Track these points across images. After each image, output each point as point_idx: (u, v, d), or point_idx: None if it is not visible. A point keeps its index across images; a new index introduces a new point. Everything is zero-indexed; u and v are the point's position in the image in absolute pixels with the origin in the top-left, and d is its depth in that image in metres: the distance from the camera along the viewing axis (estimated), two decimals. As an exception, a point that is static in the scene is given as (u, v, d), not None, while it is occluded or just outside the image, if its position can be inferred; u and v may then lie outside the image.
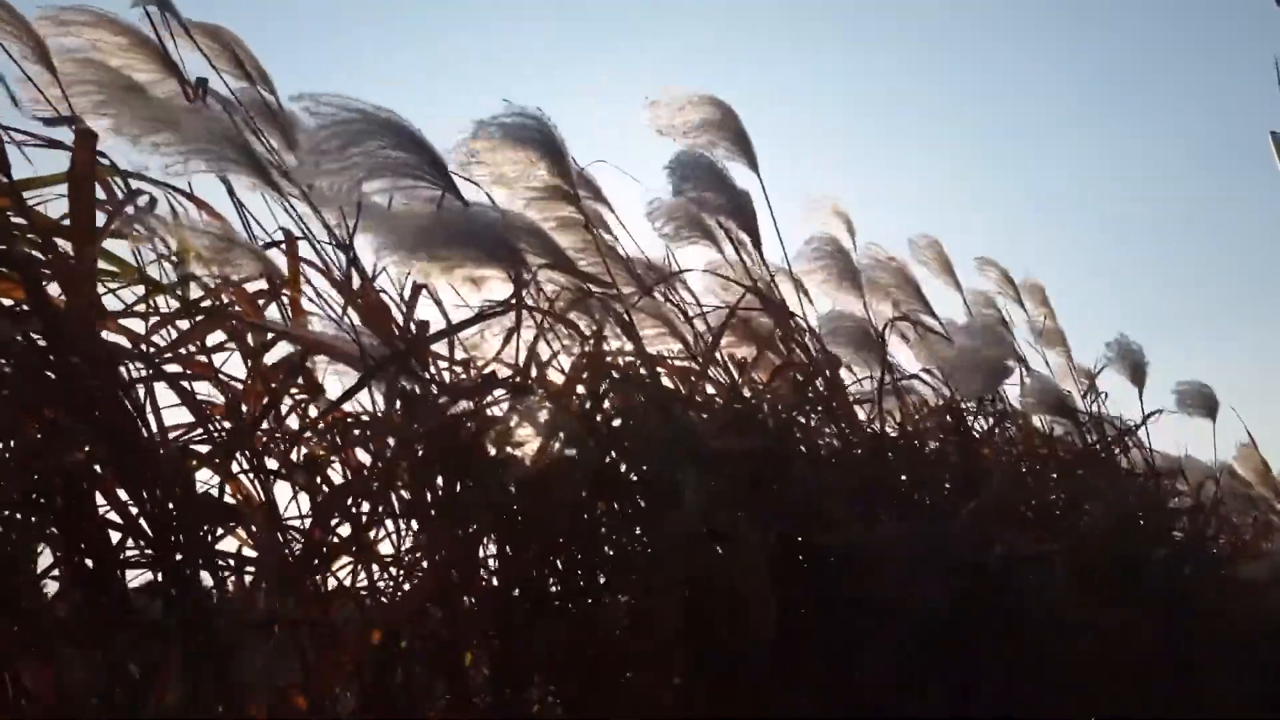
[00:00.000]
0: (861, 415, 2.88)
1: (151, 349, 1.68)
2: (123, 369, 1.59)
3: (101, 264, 1.64)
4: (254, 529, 1.73)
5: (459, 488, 1.97)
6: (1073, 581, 2.84)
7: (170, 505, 1.59)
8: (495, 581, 2.06)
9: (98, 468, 1.56)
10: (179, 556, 1.60)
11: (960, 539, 2.56)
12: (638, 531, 2.25)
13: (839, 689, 2.34)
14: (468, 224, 1.86)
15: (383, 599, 1.96)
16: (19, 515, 1.50)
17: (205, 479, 1.70)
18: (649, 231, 2.73)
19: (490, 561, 2.05)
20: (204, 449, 1.71)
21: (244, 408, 1.76)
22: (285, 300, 1.93)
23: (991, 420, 3.40)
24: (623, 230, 2.65)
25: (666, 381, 2.40)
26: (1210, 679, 3.24)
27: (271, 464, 1.78)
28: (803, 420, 2.69)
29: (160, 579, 1.60)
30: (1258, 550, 4.42)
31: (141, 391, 1.60)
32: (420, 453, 1.93)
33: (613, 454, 2.18)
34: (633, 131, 2.86)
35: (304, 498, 1.84)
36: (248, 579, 1.76)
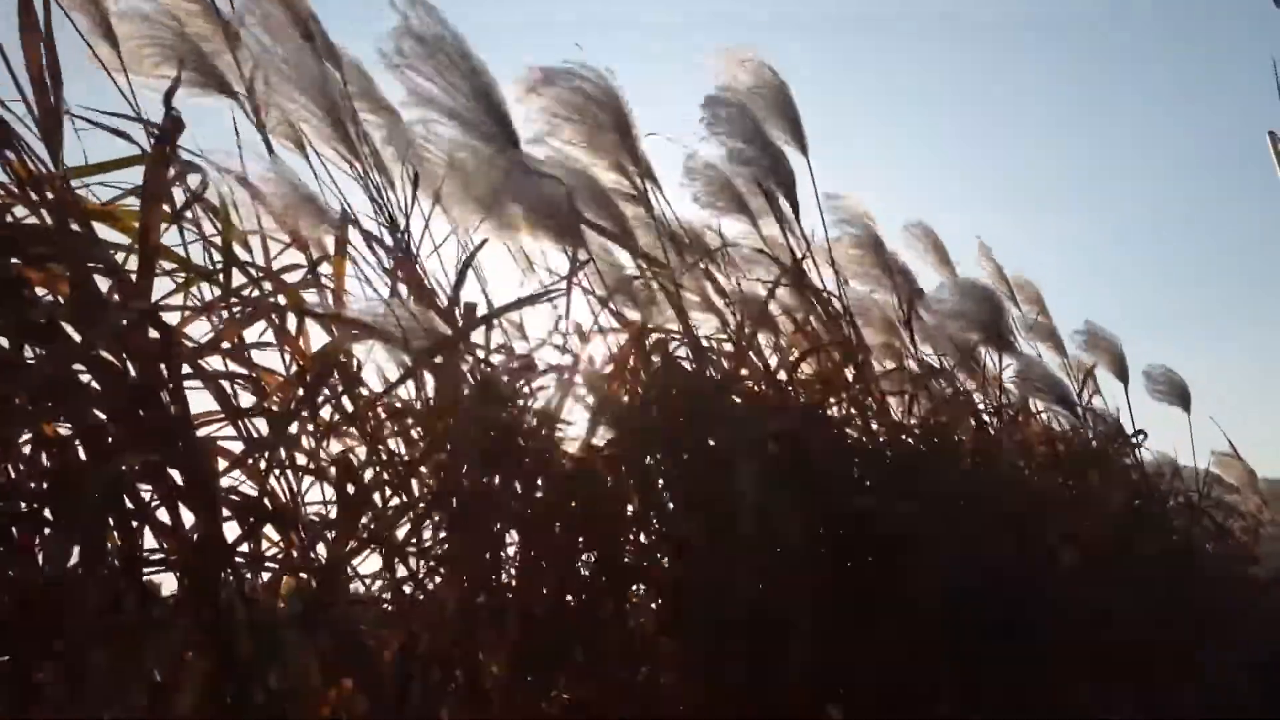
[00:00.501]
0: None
1: (190, 344, 1.53)
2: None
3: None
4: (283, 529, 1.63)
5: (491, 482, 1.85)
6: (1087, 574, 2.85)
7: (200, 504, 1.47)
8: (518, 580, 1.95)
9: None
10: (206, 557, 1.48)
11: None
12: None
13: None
14: (536, 188, 1.70)
15: (405, 595, 1.83)
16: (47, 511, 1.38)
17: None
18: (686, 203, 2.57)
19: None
20: (235, 447, 1.58)
21: (279, 400, 1.62)
22: (329, 286, 1.78)
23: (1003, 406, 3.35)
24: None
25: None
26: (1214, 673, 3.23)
27: (301, 461, 1.66)
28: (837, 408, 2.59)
29: (187, 580, 1.49)
30: (1251, 552, 4.45)
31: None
32: (451, 446, 1.80)
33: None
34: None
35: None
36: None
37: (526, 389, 1.88)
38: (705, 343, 2.25)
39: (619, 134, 2.05)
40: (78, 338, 1.32)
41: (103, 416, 1.37)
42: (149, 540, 1.46)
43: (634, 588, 2.19)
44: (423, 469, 1.80)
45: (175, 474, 1.42)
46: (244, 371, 1.58)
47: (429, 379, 1.75)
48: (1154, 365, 4.26)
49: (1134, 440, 3.87)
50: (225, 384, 1.52)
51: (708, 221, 2.64)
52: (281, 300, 1.65)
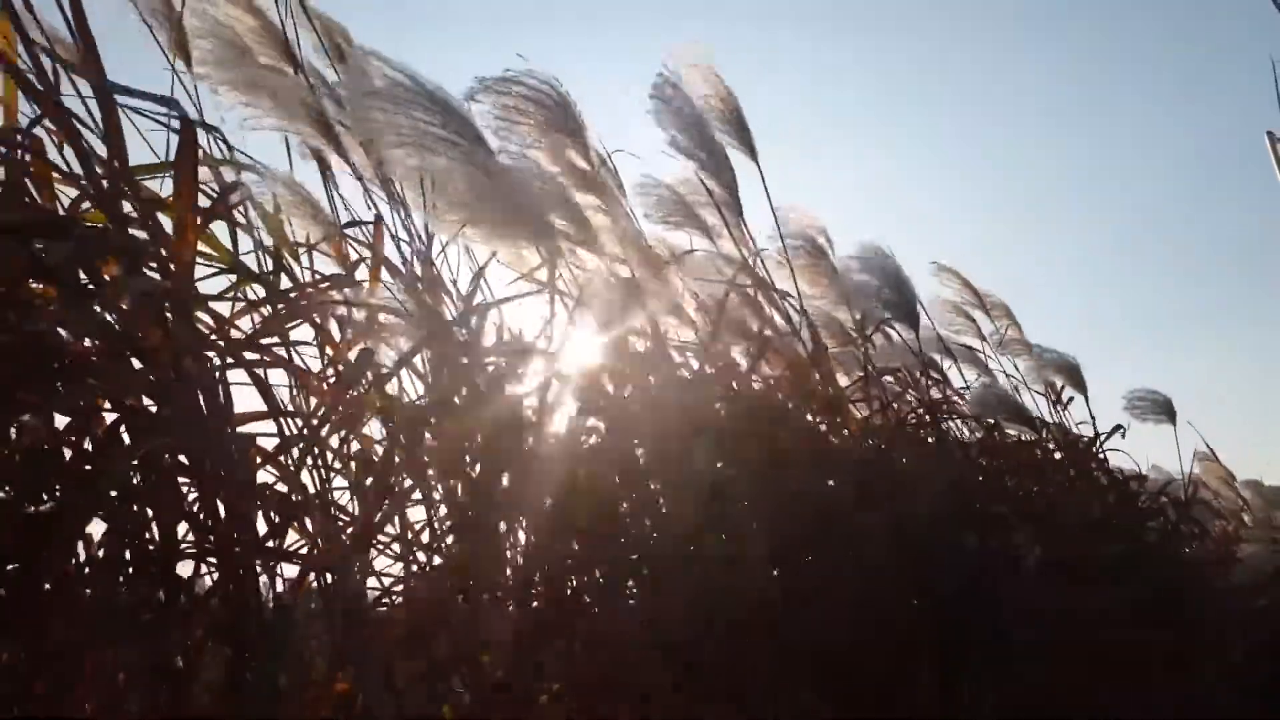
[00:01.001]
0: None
1: (236, 336, 1.66)
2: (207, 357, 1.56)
3: (202, 247, 1.63)
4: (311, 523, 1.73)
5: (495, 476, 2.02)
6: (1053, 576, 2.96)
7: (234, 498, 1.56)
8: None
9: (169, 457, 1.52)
10: (237, 550, 1.57)
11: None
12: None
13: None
14: (512, 194, 1.90)
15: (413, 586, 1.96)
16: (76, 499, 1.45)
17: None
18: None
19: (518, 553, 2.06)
20: (270, 444, 1.69)
21: (314, 401, 1.75)
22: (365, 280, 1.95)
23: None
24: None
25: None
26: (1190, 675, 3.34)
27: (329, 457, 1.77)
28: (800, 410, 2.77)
29: (219, 573, 1.57)
30: (1230, 555, 4.57)
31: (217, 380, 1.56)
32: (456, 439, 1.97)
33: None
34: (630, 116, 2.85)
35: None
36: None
37: (523, 384, 2.06)
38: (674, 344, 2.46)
39: (569, 136, 2.22)
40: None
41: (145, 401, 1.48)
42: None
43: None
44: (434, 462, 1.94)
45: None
46: (283, 357, 1.70)
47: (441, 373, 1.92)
48: (1135, 388, 4.48)
49: (1102, 445, 4.06)
50: (264, 376, 1.63)
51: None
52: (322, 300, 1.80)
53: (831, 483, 2.63)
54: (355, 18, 2.37)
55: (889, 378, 3.37)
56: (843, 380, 3.17)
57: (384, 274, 1.92)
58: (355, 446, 1.86)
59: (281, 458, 1.66)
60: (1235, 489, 5.17)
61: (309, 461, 1.70)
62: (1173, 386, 4.50)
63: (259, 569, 1.59)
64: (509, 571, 2.05)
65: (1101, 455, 4.03)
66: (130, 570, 1.49)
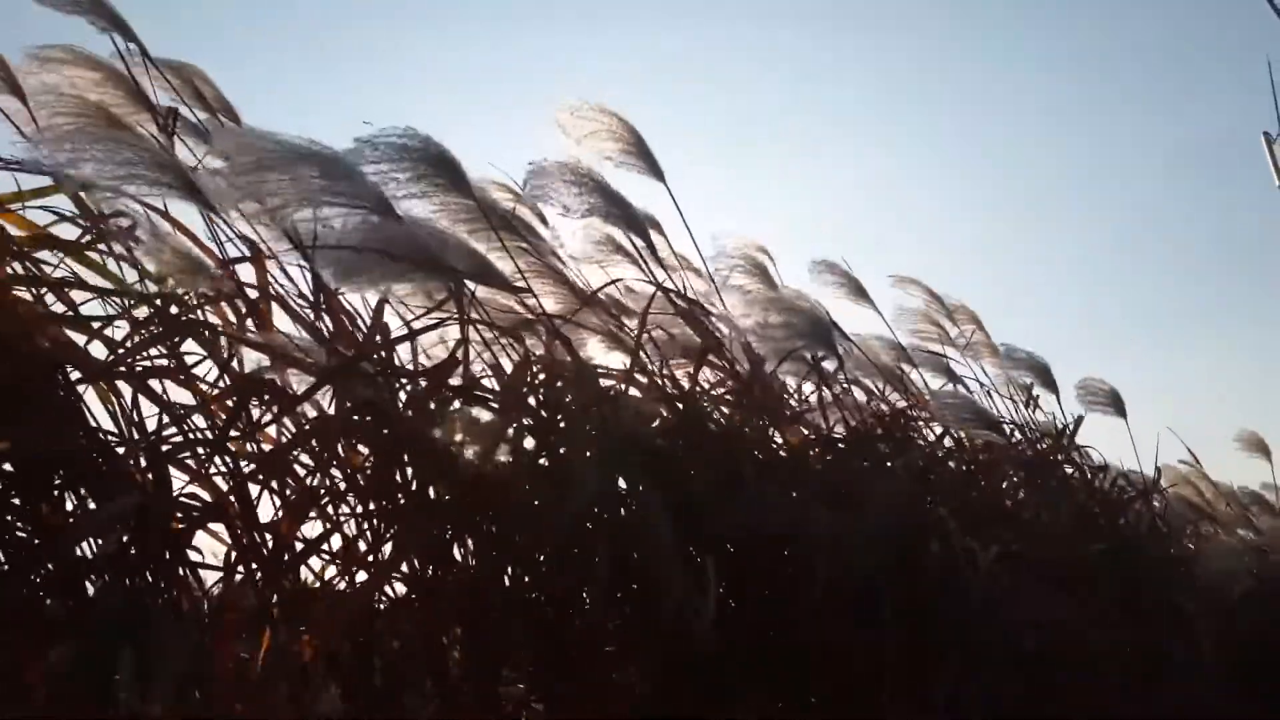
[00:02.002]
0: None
1: (121, 351, 1.84)
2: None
3: (90, 275, 1.86)
4: (232, 528, 1.87)
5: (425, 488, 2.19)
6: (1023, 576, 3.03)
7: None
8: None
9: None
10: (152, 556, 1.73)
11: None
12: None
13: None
14: (403, 246, 2.08)
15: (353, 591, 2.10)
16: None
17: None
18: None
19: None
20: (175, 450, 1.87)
21: (214, 410, 1.94)
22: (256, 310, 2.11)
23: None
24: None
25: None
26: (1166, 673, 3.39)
27: (244, 465, 1.95)
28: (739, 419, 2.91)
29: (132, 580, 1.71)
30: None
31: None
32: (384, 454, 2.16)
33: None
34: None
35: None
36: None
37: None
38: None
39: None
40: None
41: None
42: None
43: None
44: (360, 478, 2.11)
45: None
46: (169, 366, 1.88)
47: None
48: (1088, 378, 4.57)
49: (1069, 442, 4.14)
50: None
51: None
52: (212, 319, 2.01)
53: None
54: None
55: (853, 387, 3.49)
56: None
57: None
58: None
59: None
60: (1211, 493, 5.16)
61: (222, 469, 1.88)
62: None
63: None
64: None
65: (1073, 452, 4.12)
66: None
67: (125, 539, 1.72)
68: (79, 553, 1.69)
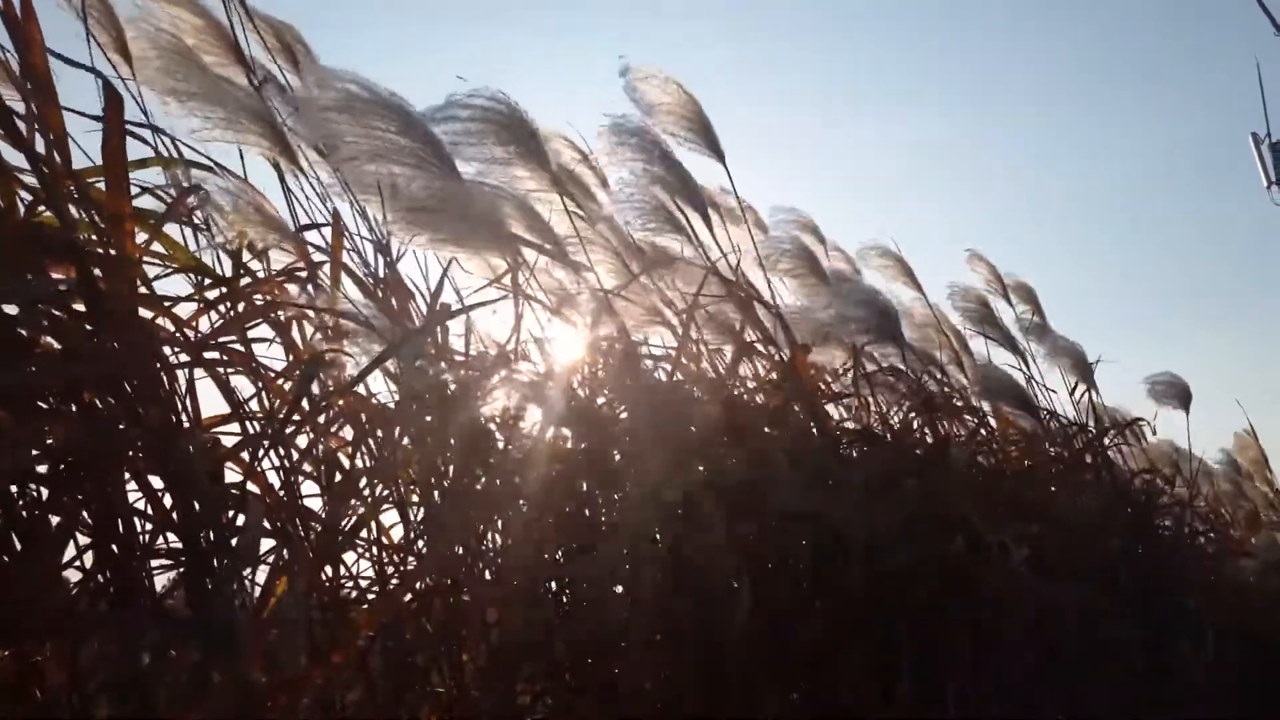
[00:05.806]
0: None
1: (195, 335, 1.74)
2: (166, 353, 1.66)
3: (159, 248, 1.74)
4: (279, 522, 1.81)
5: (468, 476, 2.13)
6: (1049, 571, 3.01)
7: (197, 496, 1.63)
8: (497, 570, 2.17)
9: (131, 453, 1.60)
10: (204, 547, 1.64)
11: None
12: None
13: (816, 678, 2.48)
14: (468, 206, 2.00)
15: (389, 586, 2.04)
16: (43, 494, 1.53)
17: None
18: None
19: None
20: (232, 441, 1.78)
21: (275, 401, 1.84)
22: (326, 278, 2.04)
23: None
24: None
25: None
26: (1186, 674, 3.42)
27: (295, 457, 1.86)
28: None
29: (184, 570, 1.65)
30: (1244, 546, 4.60)
31: (182, 379, 1.67)
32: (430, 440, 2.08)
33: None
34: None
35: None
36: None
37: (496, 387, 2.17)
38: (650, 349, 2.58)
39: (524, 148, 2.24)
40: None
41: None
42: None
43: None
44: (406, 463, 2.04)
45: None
46: (240, 350, 1.79)
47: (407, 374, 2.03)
48: (1159, 373, 4.56)
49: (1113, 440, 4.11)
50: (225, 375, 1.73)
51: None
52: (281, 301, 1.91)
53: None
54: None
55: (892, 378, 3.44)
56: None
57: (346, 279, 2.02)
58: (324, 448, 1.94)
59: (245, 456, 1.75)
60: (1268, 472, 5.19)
61: (275, 462, 1.79)
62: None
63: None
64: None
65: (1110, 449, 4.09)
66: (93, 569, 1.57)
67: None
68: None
